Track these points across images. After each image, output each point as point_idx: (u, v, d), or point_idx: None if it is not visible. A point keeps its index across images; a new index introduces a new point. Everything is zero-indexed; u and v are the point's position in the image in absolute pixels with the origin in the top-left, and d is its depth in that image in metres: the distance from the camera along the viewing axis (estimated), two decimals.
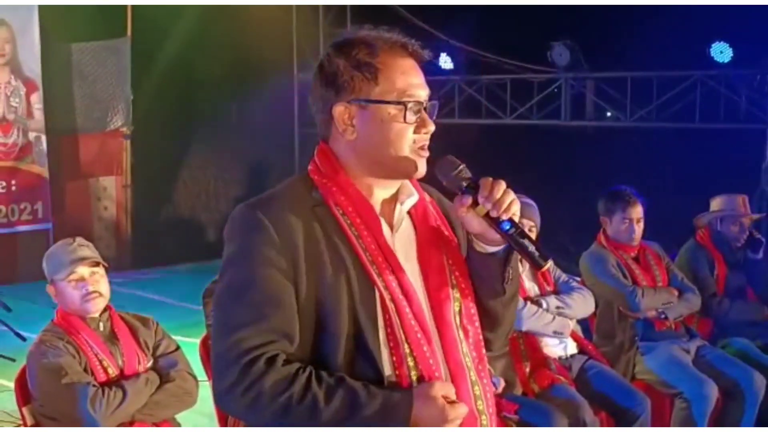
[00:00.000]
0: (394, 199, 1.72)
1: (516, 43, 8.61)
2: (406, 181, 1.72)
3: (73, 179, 9.11)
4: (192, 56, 9.31)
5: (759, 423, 3.80)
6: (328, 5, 10.18)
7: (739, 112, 7.83)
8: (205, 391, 3.11)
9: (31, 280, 8.08)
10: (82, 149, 9.10)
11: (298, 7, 10.20)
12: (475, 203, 1.62)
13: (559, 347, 3.68)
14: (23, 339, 4.46)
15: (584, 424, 3.34)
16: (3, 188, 8.37)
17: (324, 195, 1.66)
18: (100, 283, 2.86)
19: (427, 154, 1.68)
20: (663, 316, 3.90)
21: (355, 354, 1.59)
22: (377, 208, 1.69)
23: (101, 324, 2.87)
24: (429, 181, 1.75)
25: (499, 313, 1.76)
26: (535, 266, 1.64)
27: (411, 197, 1.72)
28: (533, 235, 3.51)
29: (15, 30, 8.36)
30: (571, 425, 3.31)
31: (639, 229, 3.96)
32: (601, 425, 3.55)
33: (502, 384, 3.38)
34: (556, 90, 8.92)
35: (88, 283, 2.83)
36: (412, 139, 1.65)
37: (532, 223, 3.59)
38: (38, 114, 8.57)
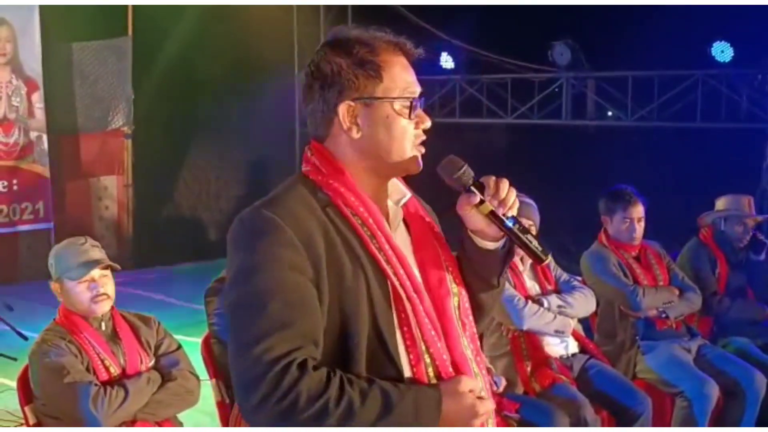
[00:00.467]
0: (386, 196, 1.73)
1: (517, 43, 8.61)
2: (395, 180, 1.74)
3: (74, 179, 9.11)
4: (193, 56, 9.31)
5: (759, 422, 3.80)
6: (328, 5, 10.18)
7: (740, 112, 7.83)
8: (207, 390, 3.12)
9: (32, 280, 8.10)
10: (83, 149, 9.10)
11: (299, 6, 10.20)
12: (481, 201, 1.66)
13: (560, 346, 3.69)
14: (25, 338, 4.46)
15: (585, 423, 3.34)
16: (4, 188, 8.37)
17: (331, 195, 1.64)
18: (108, 285, 2.87)
19: (422, 149, 1.70)
20: (664, 315, 3.91)
21: (376, 354, 1.59)
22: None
23: (103, 323, 2.88)
24: (427, 179, 1.76)
25: (488, 305, 1.82)
26: (537, 261, 1.71)
27: (405, 195, 1.74)
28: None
29: (16, 29, 8.36)
30: (572, 424, 3.31)
31: (640, 228, 3.97)
32: (603, 424, 3.55)
33: (503, 383, 3.38)
34: (556, 89, 8.92)
35: (98, 284, 2.84)
36: (413, 135, 1.68)
37: (531, 223, 3.60)
38: (39, 113, 8.57)
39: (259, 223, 1.57)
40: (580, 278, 3.96)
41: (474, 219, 1.69)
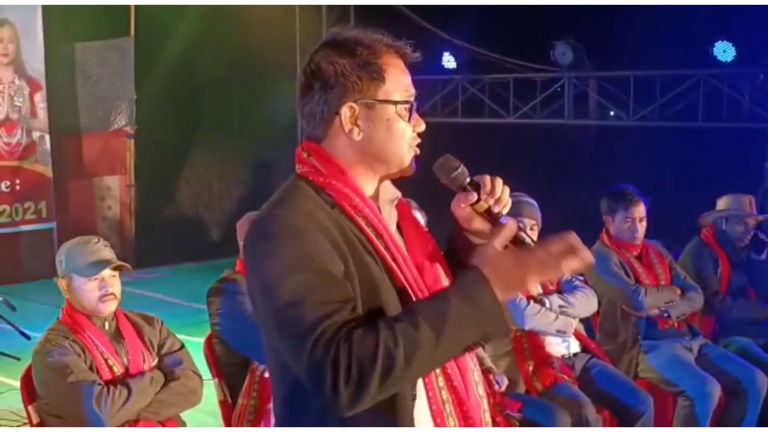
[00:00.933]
0: (379, 197, 1.73)
1: (519, 43, 8.61)
2: (387, 181, 1.75)
3: (77, 178, 9.13)
4: (195, 56, 9.32)
5: (761, 422, 3.81)
6: (330, 5, 10.18)
7: (742, 111, 7.82)
8: (209, 389, 3.13)
9: (34, 279, 8.12)
10: (85, 149, 9.12)
11: (301, 6, 10.20)
12: (477, 200, 1.68)
13: (562, 346, 3.70)
14: (27, 338, 4.47)
15: (587, 423, 3.35)
16: (7, 187, 8.38)
17: (335, 197, 1.64)
18: (116, 286, 2.89)
19: (417, 150, 1.71)
20: (666, 314, 3.91)
21: None
22: None
23: (107, 323, 2.89)
24: (423, 178, 1.77)
25: None
26: None
27: (395, 194, 1.75)
28: (535, 234, 3.52)
29: (19, 29, 8.37)
30: (574, 423, 3.32)
31: (642, 228, 3.97)
32: (604, 423, 3.56)
33: (505, 382, 3.39)
34: (558, 89, 8.91)
35: (107, 284, 2.85)
36: (410, 138, 1.69)
37: (534, 222, 3.61)
38: (42, 113, 8.58)
39: (280, 226, 1.57)
40: (581, 278, 3.96)
41: (469, 218, 1.71)
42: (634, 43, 7.67)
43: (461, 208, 1.70)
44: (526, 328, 3.54)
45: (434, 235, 1.81)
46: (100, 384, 2.70)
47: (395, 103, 1.65)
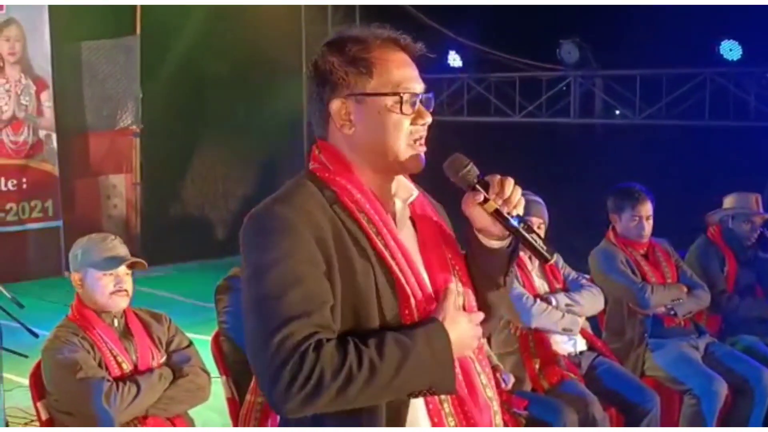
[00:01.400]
0: (392, 194, 1.73)
1: (525, 41, 8.60)
2: (402, 177, 1.74)
3: (83, 177, 9.14)
4: (201, 54, 9.33)
5: None
6: (336, 4, 10.18)
7: (748, 110, 7.81)
8: (216, 387, 3.13)
9: (41, 278, 8.15)
10: (91, 147, 9.13)
11: (307, 6, 10.21)
12: (485, 199, 1.66)
13: (568, 344, 3.70)
14: (35, 335, 4.48)
15: (594, 420, 3.35)
16: (14, 186, 8.41)
17: (338, 193, 1.66)
18: (129, 283, 2.91)
19: (424, 147, 1.70)
20: (672, 312, 3.91)
21: None
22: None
23: (116, 320, 2.90)
24: (435, 177, 1.77)
25: (495, 304, 1.82)
26: (542, 260, 1.71)
27: (411, 192, 1.74)
28: (542, 233, 3.52)
29: (25, 29, 8.39)
30: (580, 421, 3.32)
31: (648, 226, 3.97)
32: (611, 421, 3.56)
33: (512, 380, 3.39)
34: (564, 88, 8.91)
35: (122, 280, 2.87)
36: (408, 131, 1.67)
37: (541, 221, 3.61)
38: (48, 112, 8.60)
39: (272, 220, 1.60)
40: (588, 276, 3.96)
41: (479, 217, 1.69)
42: (640, 41, 7.66)
43: (470, 207, 1.69)
44: (533, 326, 3.54)
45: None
46: (109, 381, 2.71)
47: (384, 95, 1.65)
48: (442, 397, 1.63)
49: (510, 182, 1.67)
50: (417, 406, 1.63)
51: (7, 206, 8.37)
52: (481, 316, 1.71)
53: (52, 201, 8.64)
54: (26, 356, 4.59)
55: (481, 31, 8.94)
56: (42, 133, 8.59)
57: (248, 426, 3.03)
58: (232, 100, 9.85)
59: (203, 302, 6.85)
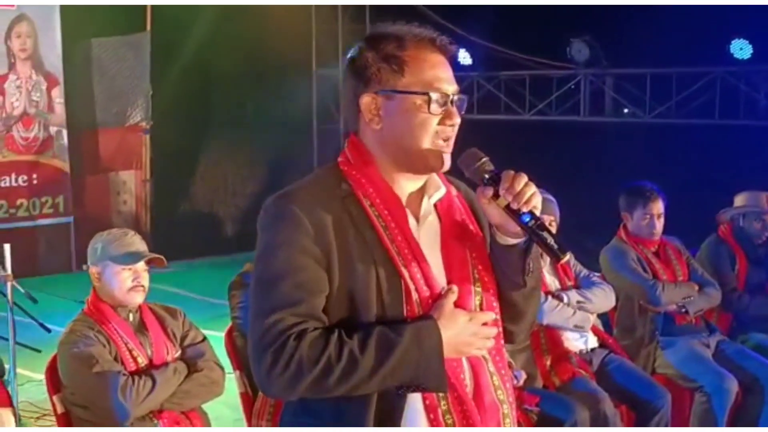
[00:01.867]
0: (421, 191, 1.74)
1: (535, 40, 8.60)
2: (434, 175, 1.75)
3: (93, 173, 9.18)
4: (211, 52, 9.35)
5: None
6: (346, 4, 10.19)
7: (758, 109, 7.78)
8: (229, 382, 3.15)
9: (51, 273, 8.19)
10: (101, 144, 9.17)
11: (317, 4, 10.22)
12: (497, 195, 1.65)
13: (579, 341, 3.70)
14: (48, 330, 4.52)
15: (605, 417, 3.36)
16: (24, 182, 8.45)
17: (353, 186, 1.69)
18: (146, 279, 2.94)
19: (450, 147, 1.70)
20: (683, 310, 3.91)
21: None
22: (404, 200, 1.72)
23: (131, 314, 2.92)
24: (454, 173, 1.78)
25: (520, 305, 1.78)
26: (554, 258, 1.67)
27: (438, 191, 1.74)
28: (553, 230, 3.52)
29: (37, 25, 8.43)
30: (592, 418, 3.33)
31: (660, 224, 3.97)
32: (622, 418, 3.56)
33: (523, 377, 3.40)
34: (574, 86, 8.90)
35: (140, 276, 2.90)
36: (435, 131, 1.68)
37: (552, 218, 3.62)
38: (59, 108, 8.65)
39: (277, 210, 1.67)
40: (598, 274, 3.96)
41: (494, 213, 1.67)
42: (650, 40, 7.64)
43: (482, 202, 1.68)
44: (544, 323, 3.54)
45: None
46: (124, 374, 2.73)
47: (412, 93, 1.66)
48: (441, 394, 1.64)
49: (521, 178, 1.65)
50: (414, 400, 1.64)
51: (18, 202, 8.42)
52: (488, 316, 1.69)
53: (63, 197, 8.68)
54: (39, 351, 4.64)
55: (492, 29, 8.93)
56: (53, 130, 8.63)
57: (261, 421, 3.05)
58: (241, 97, 9.88)
59: (213, 298, 6.89)
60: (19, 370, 4.39)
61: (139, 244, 2.95)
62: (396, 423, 1.63)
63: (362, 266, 1.62)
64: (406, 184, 1.73)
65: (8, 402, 2.60)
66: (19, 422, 2.91)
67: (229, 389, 3.10)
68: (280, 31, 9.34)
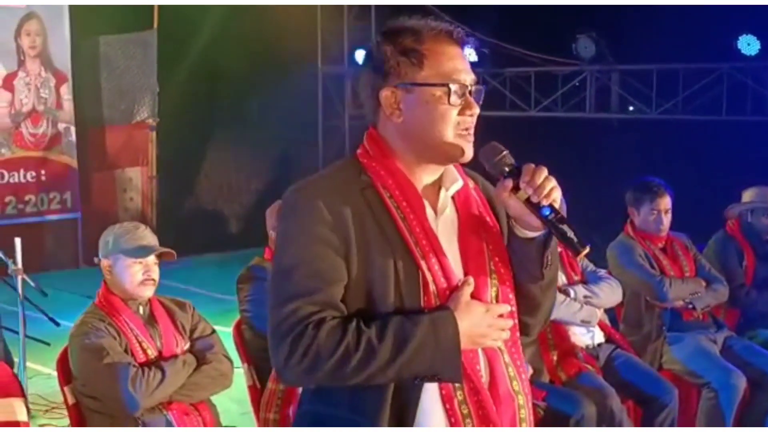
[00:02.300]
0: (438, 183, 1.75)
1: (541, 36, 8.60)
2: (451, 167, 1.76)
3: (100, 170, 9.23)
4: (218, 49, 9.37)
5: None
6: (351, 4, 10.20)
7: (765, 105, 7.77)
8: (236, 377, 3.16)
9: (59, 269, 8.23)
10: (109, 140, 9.21)
11: (323, 3, 10.24)
12: (517, 188, 1.66)
13: (586, 336, 3.70)
14: (57, 324, 4.55)
15: (612, 412, 3.36)
16: (33, 178, 8.49)
17: (373, 178, 1.70)
18: (157, 272, 2.96)
19: (472, 138, 1.71)
20: (690, 306, 3.91)
21: None
22: (422, 192, 1.73)
23: (141, 307, 2.94)
24: (473, 167, 1.79)
25: (537, 297, 1.79)
26: (574, 251, 1.67)
27: (456, 183, 1.75)
28: None
29: (46, 22, 8.48)
30: (598, 413, 3.33)
31: (667, 220, 3.97)
32: (628, 414, 3.56)
33: (530, 371, 3.40)
34: (578, 83, 8.90)
35: (150, 269, 2.92)
36: (456, 122, 1.69)
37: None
38: (67, 105, 8.68)
39: (296, 200, 1.68)
40: (605, 270, 3.96)
41: (514, 206, 1.68)
42: (656, 36, 7.63)
43: (502, 195, 1.69)
44: (551, 318, 3.54)
45: None
46: (135, 366, 2.75)
47: (432, 85, 1.67)
48: (456, 384, 1.64)
49: (542, 171, 1.66)
50: (430, 391, 1.64)
51: (27, 198, 8.46)
52: (504, 308, 1.70)
53: (71, 193, 8.72)
54: (48, 344, 4.66)
55: (497, 25, 8.93)
56: (61, 126, 8.67)
57: (269, 413, 3.07)
58: (247, 95, 9.90)
59: (218, 294, 6.91)
60: (28, 364, 4.41)
61: (150, 237, 2.98)
62: (412, 413, 1.63)
63: (381, 257, 1.63)
64: (424, 177, 1.74)
65: (20, 392, 2.61)
66: (29, 414, 2.93)
67: (235, 383, 3.11)
68: (286, 29, 9.36)
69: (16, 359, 4.36)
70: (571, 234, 1.64)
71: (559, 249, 3.72)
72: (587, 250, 1.66)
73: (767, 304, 4.23)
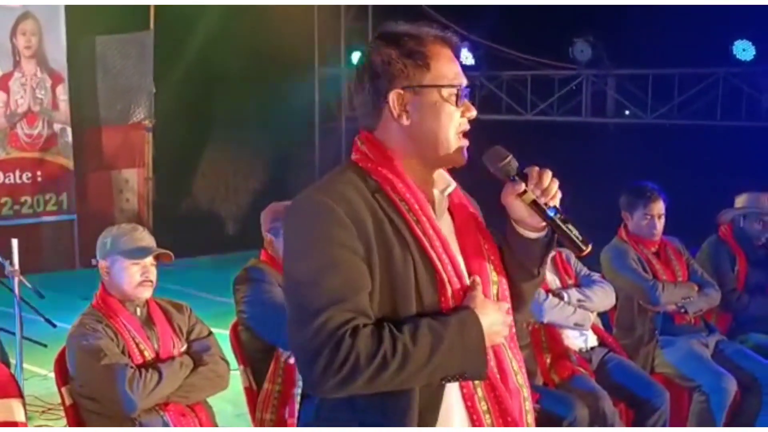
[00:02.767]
0: (431, 185, 1.78)
1: (537, 40, 8.62)
2: (441, 170, 1.79)
3: (97, 171, 9.22)
4: (214, 50, 9.39)
5: None
6: (348, 4, 10.22)
7: (760, 110, 7.81)
8: (232, 379, 3.17)
9: (55, 270, 8.22)
10: (105, 141, 9.20)
11: (320, 4, 10.26)
12: (523, 190, 1.71)
13: (579, 339, 3.73)
14: (53, 326, 4.56)
15: (604, 415, 3.39)
16: (28, 179, 8.49)
17: (380, 182, 1.70)
18: (154, 274, 2.97)
19: (467, 140, 1.75)
20: (683, 310, 3.94)
21: None
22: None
23: (138, 309, 2.95)
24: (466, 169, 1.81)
25: (527, 294, 1.87)
26: (577, 250, 1.74)
27: (450, 185, 1.79)
28: None
29: (42, 23, 8.47)
30: (591, 416, 3.35)
31: (660, 224, 3.99)
32: (621, 417, 3.59)
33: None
34: (574, 87, 8.92)
35: (148, 271, 2.93)
36: (458, 123, 1.73)
37: None
38: (63, 106, 8.68)
39: (313, 206, 1.65)
40: (598, 274, 3.99)
41: (517, 208, 1.73)
42: (653, 41, 7.67)
43: (510, 198, 1.72)
44: (545, 321, 3.58)
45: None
46: (132, 367, 2.76)
47: (441, 87, 1.70)
48: (476, 381, 1.68)
49: (548, 174, 1.71)
50: (452, 390, 1.68)
51: (22, 199, 8.45)
52: (507, 305, 1.76)
53: (67, 194, 8.72)
54: (45, 345, 4.67)
55: (494, 29, 8.96)
56: (57, 127, 8.66)
57: (266, 413, 3.09)
58: (244, 95, 9.91)
59: (214, 296, 6.92)
60: (24, 365, 4.42)
61: (148, 239, 2.99)
62: (436, 413, 1.66)
63: (402, 261, 1.65)
64: (421, 178, 1.76)
65: (18, 393, 2.62)
66: (26, 415, 2.94)
67: (231, 385, 3.13)
68: (282, 30, 9.37)
69: (13, 360, 4.37)
70: (575, 233, 1.71)
71: (553, 253, 3.79)
72: (590, 248, 1.72)
73: (759, 309, 4.27)
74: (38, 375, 5.03)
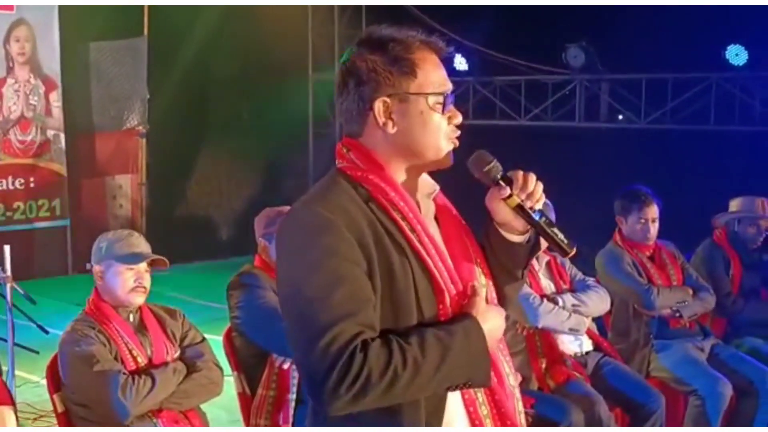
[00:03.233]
0: (416, 190, 1.76)
1: (530, 45, 8.63)
2: (424, 174, 1.78)
3: (90, 177, 9.20)
4: (208, 56, 9.39)
5: None
6: (343, 5, 10.23)
7: (753, 115, 7.82)
8: (225, 385, 3.16)
9: (48, 276, 8.19)
10: (98, 147, 9.19)
11: (314, 7, 10.27)
12: (509, 194, 1.71)
13: (574, 344, 3.73)
14: (46, 332, 4.54)
15: (600, 420, 3.38)
16: (21, 185, 8.47)
17: (371, 190, 1.68)
18: (148, 280, 2.96)
19: (456, 143, 1.74)
20: (678, 314, 3.94)
21: None
22: None
23: (131, 315, 2.94)
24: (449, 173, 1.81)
25: (509, 296, 1.86)
26: (563, 253, 1.75)
27: (435, 189, 1.78)
28: None
29: (35, 29, 8.46)
30: (586, 420, 3.35)
31: (654, 228, 4.00)
32: (616, 421, 3.59)
33: (518, 379, 3.41)
34: (568, 92, 8.93)
35: (142, 277, 2.92)
36: (445, 130, 1.72)
37: None
38: (57, 112, 8.67)
39: (312, 220, 1.61)
40: (593, 279, 3.99)
41: (502, 212, 1.73)
42: (646, 45, 7.68)
43: (494, 202, 1.72)
44: (540, 325, 3.57)
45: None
46: (125, 374, 2.75)
47: (427, 95, 1.68)
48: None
49: (533, 177, 1.71)
50: (453, 398, 1.67)
51: (15, 205, 8.43)
52: (504, 310, 1.77)
53: (60, 200, 8.70)
54: (37, 352, 4.65)
55: (487, 34, 8.97)
56: (50, 133, 8.64)
57: (260, 419, 3.08)
58: (237, 101, 9.91)
59: (207, 302, 6.90)
60: (16, 372, 4.40)
61: (143, 245, 2.98)
62: (440, 419, 1.66)
63: (401, 271, 1.63)
64: (408, 184, 1.74)
65: (10, 400, 2.61)
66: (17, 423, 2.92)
67: (225, 391, 3.11)
68: (276, 36, 9.38)
69: (4, 367, 4.33)
70: (560, 235, 1.71)
71: (548, 258, 3.79)
72: (574, 251, 1.73)
73: (754, 313, 4.28)
74: (30, 382, 5.00)
